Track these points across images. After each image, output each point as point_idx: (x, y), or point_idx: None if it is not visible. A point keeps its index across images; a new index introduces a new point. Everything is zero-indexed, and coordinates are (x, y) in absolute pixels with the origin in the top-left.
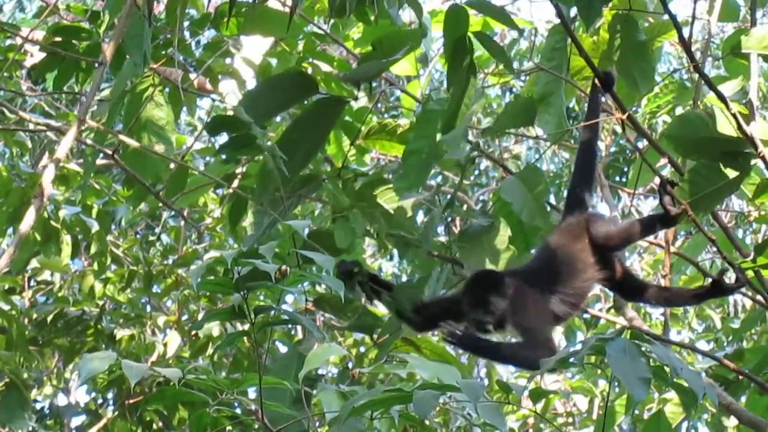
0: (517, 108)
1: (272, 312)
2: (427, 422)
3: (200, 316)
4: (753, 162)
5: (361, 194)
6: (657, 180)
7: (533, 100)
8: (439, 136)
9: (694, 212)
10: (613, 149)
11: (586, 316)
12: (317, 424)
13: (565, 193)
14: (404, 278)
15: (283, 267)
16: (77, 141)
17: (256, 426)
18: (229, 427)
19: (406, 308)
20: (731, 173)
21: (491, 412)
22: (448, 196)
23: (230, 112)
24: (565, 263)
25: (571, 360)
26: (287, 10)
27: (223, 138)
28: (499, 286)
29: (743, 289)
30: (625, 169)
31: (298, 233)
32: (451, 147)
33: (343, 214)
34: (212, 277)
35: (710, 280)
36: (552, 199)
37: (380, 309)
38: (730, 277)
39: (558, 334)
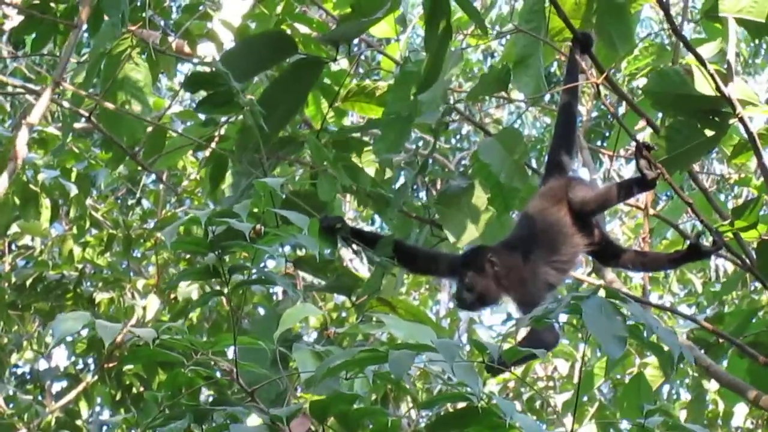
0: (492, 77)
1: (251, 273)
2: (406, 386)
3: (176, 275)
4: (731, 122)
5: (341, 152)
6: (634, 144)
7: (507, 68)
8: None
9: (670, 169)
10: (594, 114)
11: (568, 280)
12: (296, 385)
13: (546, 158)
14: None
15: (258, 226)
16: (56, 104)
17: (234, 387)
18: (204, 388)
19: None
20: (709, 132)
21: (467, 372)
22: (429, 160)
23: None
24: (552, 230)
25: (549, 319)
26: None
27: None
28: (479, 264)
29: (723, 253)
30: (607, 134)
31: (277, 195)
32: (428, 108)
33: (323, 170)
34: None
35: (687, 243)
36: (533, 164)
37: (361, 270)
38: (708, 240)
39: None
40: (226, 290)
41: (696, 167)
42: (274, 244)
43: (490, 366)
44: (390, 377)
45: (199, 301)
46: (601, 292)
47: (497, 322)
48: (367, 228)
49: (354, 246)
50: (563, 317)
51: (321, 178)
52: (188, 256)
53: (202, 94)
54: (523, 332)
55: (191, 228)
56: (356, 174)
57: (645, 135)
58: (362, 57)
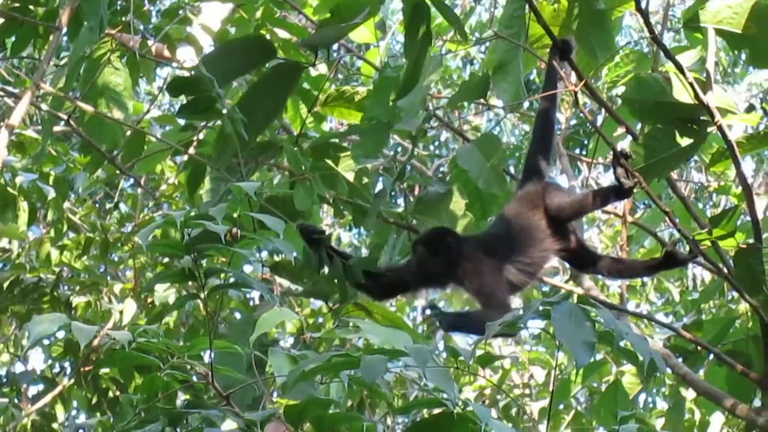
0: (471, 85)
1: (227, 277)
2: (382, 390)
3: (152, 278)
4: (709, 130)
5: (320, 160)
6: (611, 152)
7: (487, 76)
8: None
9: (648, 177)
10: (573, 121)
11: (545, 288)
12: (272, 389)
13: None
14: (363, 249)
15: (234, 230)
16: (35, 107)
17: (212, 391)
18: (180, 392)
19: (361, 279)
20: (687, 140)
21: (441, 376)
22: (408, 167)
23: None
24: (523, 232)
25: (519, 324)
26: None
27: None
28: (434, 243)
29: (700, 261)
30: (585, 141)
31: (254, 200)
32: (408, 113)
33: (302, 176)
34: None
35: (664, 251)
36: (512, 171)
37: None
38: (685, 249)
39: (516, 304)
40: (202, 294)
41: (675, 175)
42: (250, 248)
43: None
44: (364, 382)
45: (176, 304)
46: (573, 299)
47: None
48: (344, 234)
49: (324, 258)
50: (540, 324)
51: (297, 187)
52: (166, 260)
53: (183, 98)
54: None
55: (168, 231)
56: (334, 182)
57: (624, 143)
58: (342, 62)
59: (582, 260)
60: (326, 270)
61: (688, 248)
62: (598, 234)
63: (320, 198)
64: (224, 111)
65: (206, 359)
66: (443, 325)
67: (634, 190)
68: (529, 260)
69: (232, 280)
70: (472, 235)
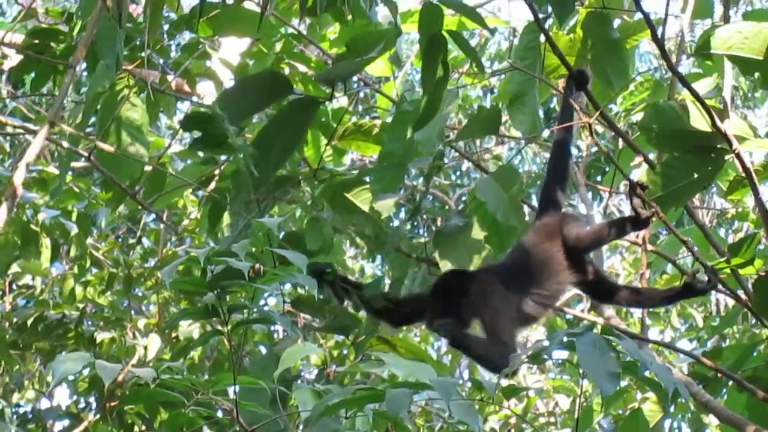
0: (482, 118)
1: (250, 312)
2: (408, 425)
3: (176, 314)
4: (726, 157)
5: (337, 195)
6: (627, 183)
7: (498, 109)
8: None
9: (666, 205)
10: (593, 149)
11: (568, 316)
12: (297, 423)
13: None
14: (386, 280)
15: (257, 266)
16: (56, 144)
17: (237, 426)
18: (205, 428)
19: (378, 305)
20: (704, 168)
21: (465, 410)
22: (429, 198)
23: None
24: (540, 264)
25: (543, 355)
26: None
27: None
28: (462, 287)
29: (719, 289)
30: (606, 169)
31: (274, 235)
32: (425, 146)
33: (316, 215)
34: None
35: (682, 281)
36: (533, 200)
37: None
38: (704, 277)
39: (528, 334)
40: (226, 329)
41: (696, 201)
42: (273, 284)
43: None
44: (389, 416)
45: (200, 340)
46: (597, 329)
47: None
48: (367, 266)
49: (339, 292)
50: (564, 353)
51: (308, 225)
52: (189, 296)
53: (199, 133)
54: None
55: (191, 267)
56: (352, 216)
57: (641, 171)
58: (361, 95)
59: (601, 291)
60: (345, 304)
61: (707, 277)
62: (621, 261)
63: (336, 230)
64: (236, 147)
65: (230, 394)
66: (448, 338)
67: (652, 220)
68: (547, 292)
69: (255, 315)
70: (490, 265)
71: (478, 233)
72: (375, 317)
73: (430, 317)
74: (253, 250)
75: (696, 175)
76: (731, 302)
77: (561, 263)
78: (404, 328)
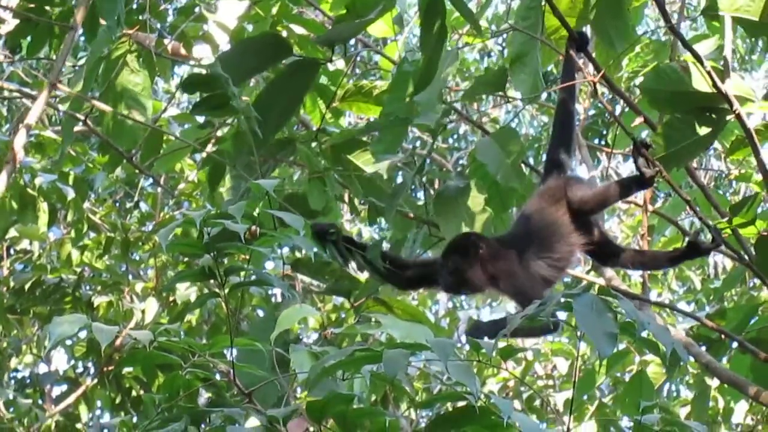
0: (488, 78)
1: (248, 275)
2: (403, 386)
3: (173, 277)
4: (728, 118)
5: (337, 156)
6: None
7: (504, 69)
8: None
9: (668, 167)
10: (591, 112)
11: (566, 278)
12: (295, 386)
13: (544, 157)
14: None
15: (254, 228)
16: (54, 108)
17: (234, 389)
18: (202, 390)
19: (384, 266)
20: (706, 129)
21: (462, 371)
22: (428, 160)
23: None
24: (548, 228)
25: (540, 317)
26: None
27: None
28: (465, 248)
29: (722, 249)
30: (604, 132)
31: (273, 198)
32: (425, 108)
33: (318, 175)
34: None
35: (686, 241)
36: (531, 162)
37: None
38: (706, 238)
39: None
40: (223, 292)
41: (694, 164)
42: (270, 246)
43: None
44: (386, 377)
45: (196, 303)
46: (594, 290)
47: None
48: (365, 230)
49: (344, 252)
50: (562, 315)
51: (311, 186)
52: (187, 258)
53: (199, 96)
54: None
55: (189, 230)
56: (350, 181)
57: (643, 133)
58: (359, 57)
59: (605, 253)
60: (349, 265)
61: (710, 237)
62: (619, 224)
63: (336, 197)
64: (239, 109)
65: (228, 357)
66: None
67: (656, 180)
68: (558, 255)
69: (252, 278)
70: (498, 235)
71: (478, 195)
72: (381, 280)
73: (447, 281)
74: (252, 212)
75: (698, 136)
76: (729, 265)
77: (568, 226)
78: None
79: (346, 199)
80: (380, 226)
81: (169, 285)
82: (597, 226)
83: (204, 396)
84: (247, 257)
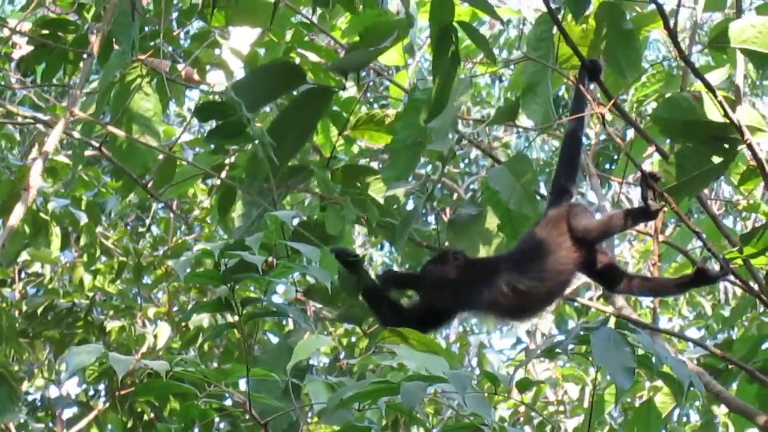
0: (506, 109)
1: (261, 303)
2: (416, 414)
3: (190, 308)
4: (739, 148)
5: (351, 182)
6: (639, 173)
7: (517, 102)
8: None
9: (679, 196)
10: (602, 137)
11: (576, 304)
12: (308, 415)
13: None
14: (395, 268)
15: (270, 258)
16: (65, 133)
17: (247, 418)
18: (217, 419)
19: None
20: (717, 158)
21: (478, 402)
22: (438, 186)
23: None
24: (537, 245)
25: (557, 350)
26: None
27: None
28: (441, 258)
29: (730, 278)
30: (615, 157)
31: (286, 224)
32: (438, 135)
33: (333, 201)
34: (200, 269)
35: (695, 268)
36: (542, 188)
37: None
38: (715, 266)
39: (536, 322)
40: (238, 321)
41: (705, 191)
42: (285, 276)
43: None
44: (403, 407)
45: (212, 333)
46: (611, 322)
47: (507, 346)
48: (376, 254)
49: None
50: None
51: (329, 211)
52: (199, 285)
53: (212, 121)
54: None
55: (203, 259)
56: (364, 205)
57: (653, 161)
58: (371, 84)
59: (612, 279)
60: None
61: (718, 265)
62: (629, 249)
63: (355, 219)
64: (254, 135)
65: (241, 385)
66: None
67: (663, 212)
68: (543, 269)
69: (268, 307)
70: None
71: (491, 222)
72: (401, 324)
73: (454, 305)
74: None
75: (709, 166)
76: (740, 291)
77: (559, 244)
78: None
79: (363, 222)
80: (392, 251)
81: (185, 316)
82: (604, 254)
83: (218, 423)
84: (261, 285)
